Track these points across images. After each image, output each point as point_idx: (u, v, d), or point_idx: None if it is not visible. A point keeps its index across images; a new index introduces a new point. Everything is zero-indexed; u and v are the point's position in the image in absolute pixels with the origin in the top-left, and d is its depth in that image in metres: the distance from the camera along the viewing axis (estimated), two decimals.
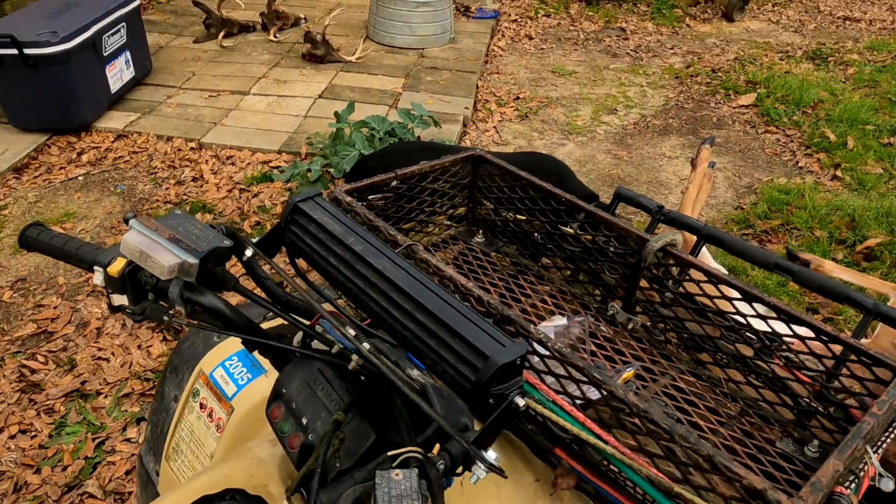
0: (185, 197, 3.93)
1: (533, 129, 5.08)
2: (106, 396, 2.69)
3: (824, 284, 2.06)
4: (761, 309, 1.43)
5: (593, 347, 1.49)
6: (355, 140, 4.07)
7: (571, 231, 1.71)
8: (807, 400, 1.36)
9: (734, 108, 5.38)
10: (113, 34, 4.57)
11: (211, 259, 0.93)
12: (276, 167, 4.27)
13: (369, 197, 1.70)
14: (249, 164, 4.30)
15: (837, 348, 1.34)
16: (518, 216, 1.83)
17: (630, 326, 1.60)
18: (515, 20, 7.11)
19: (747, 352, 1.43)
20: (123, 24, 4.68)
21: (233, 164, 4.30)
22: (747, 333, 1.42)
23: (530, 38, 6.71)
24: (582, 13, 7.42)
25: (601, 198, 4.01)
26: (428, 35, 5.99)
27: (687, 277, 1.52)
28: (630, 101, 5.57)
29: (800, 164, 4.60)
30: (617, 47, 6.67)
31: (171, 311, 0.93)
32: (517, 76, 5.90)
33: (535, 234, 1.80)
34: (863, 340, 2.14)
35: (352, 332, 0.91)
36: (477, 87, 5.54)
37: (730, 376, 1.49)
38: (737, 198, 4.26)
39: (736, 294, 1.42)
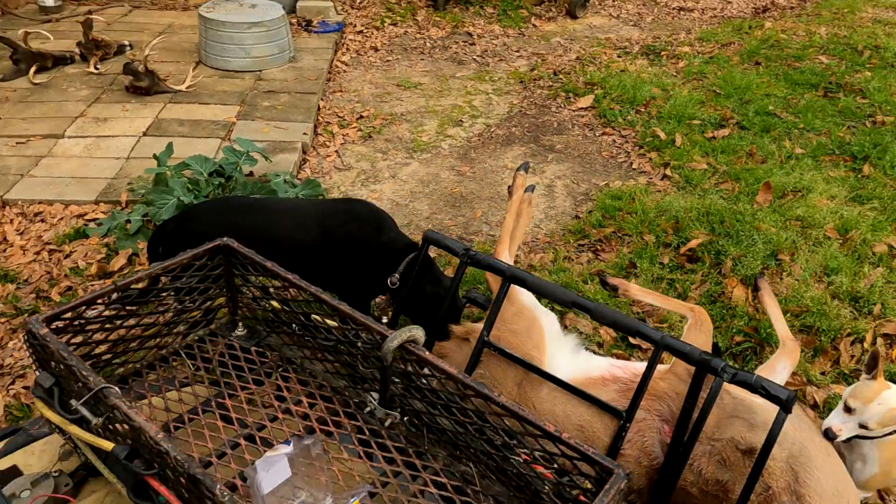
0: None
1: (377, 149, 4.96)
2: None
3: (618, 321, 2.08)
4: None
5: (333, 466, 1.39)
6: (174, 186, 3.80)
7: (325, 323, 1.61)
8: (548, 496, 1.32)
9: (573, 111, 5.49)
10: None
11: None
12: (93, 220, 3.94)
13: (88, 313, 1.52)
14: (62, 219, 3.94)
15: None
16: (276, 305, 1.71)
17: (388, 423, 1.52)
18: (361, 31, 6.96)
19: (493, 448, 1.39)
20: None
21: (42, 220, 3.93)
22: (490, 430, 1.37)
23: (376, 50, 6.59)
24: (429, 19, 7.36)
25: (444, 228, 3.96)
26: (264, 56, 5.74)
27: (431, 373, 1.45)
28: (476, 111, 5.56)
29: (634, 166, 4.74)
30: (464, 54, 6.66)
31: None
32: (361, 93, 5.76)
33: (294, 325, 1.69)
34: (659, 367, 2.19)
35: None
36: (318, 108, 5.36)
37: (483, 472, 1.44)
38: (575, 206, 4.33)
39: (471, 392, 1.37)
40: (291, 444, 1.35)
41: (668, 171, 4.56)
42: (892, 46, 6.32)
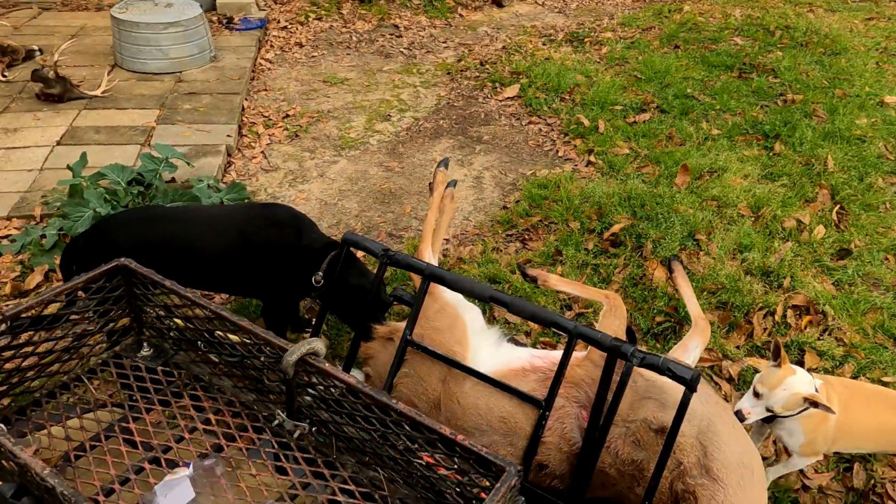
0: None
1: (304, 148, 4.91)
2: None
3: (535, 313, 2.12)
4: None
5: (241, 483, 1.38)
6: (90, 197, 3.69)
7: (228, 338, 1.60)
8: (452, 497, 1.36)
9: (500, 101, 5.54)
10: None
11: None
12: (6, 236, 3.78)
13: None
14: None
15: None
16: (180, 323, 1.69)
17: (296, 434, 1.53)
18: (285, 27, 6.84)
19: (397, 453, 1.41)
20: None
21: None
22: (392, 435, 1.39)
23: (301, 46, 6.49)
24: (355, 13, 7.29)
25: (369, 229, 3.94)
26: (183, 57, 5.59)
27: (334, 383, 1.46)
28: (404, 105, 5.55)
29: (559, 153, 4.82)
30: (391, 47, 6.63)
31: None
32: (287, 91, 5.68)
33: (199, 343, 1.67)
34: (577, 354, 2.25)
35: None
36: (242, 108, 5.26)
37: (390, 476, 1.47)
38: (503, 196, 4.39)
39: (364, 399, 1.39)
40: (192, 466, 1.35)
41: (592, 158, 4.66)
42: (802, 26, 6.59)
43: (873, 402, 2.31)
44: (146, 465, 1.44)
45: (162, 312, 1.68)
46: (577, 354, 2.22)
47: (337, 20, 7.11)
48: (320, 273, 2.67)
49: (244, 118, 5.18)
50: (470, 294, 2.21)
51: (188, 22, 5.55)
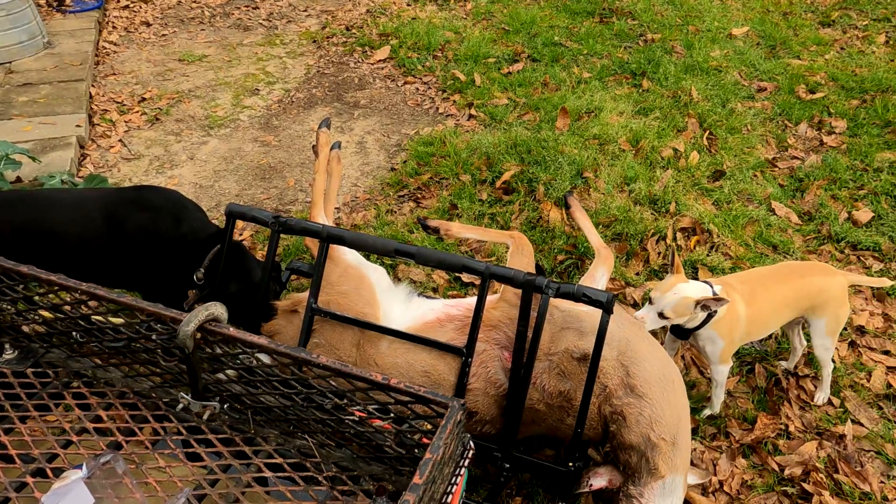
0: None
1: (168, 132, 4.53)
2: None
3: (443, 260, 2.04)
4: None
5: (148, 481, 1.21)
6: None
7: (110, 322, 1.39)
8: (391, 448, 1.26)
9: (372, 64, 5.37)
10: None
11: None
12: None
13: None
14: None
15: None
16: (47, 315, 1.46)
17: (206, 416, 1.36)
18: (127, 6, 6.28)
19: (325, 413, 1.29)
20: None
21: None
22: (317, 395, 1.27)
23: (148, 25, 5.98)
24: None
25: (258, 203, 3.67)
26: (11, 45, 4.98)
27: (241, 350, 1.31)
28: (271, 77, 5.26)
29: (440, 110, 4.75)
30: (248, 19, 6.25)
31: None
32: (139, 73, 5.21)
33: (74, 333, 1.45)
34: (490, 297, 2.18)
35: None
36: (90, 96, 4.77)
37: (321, 441, 1.34)
38: (389, 159, 4.26)
39: (287, 360, 1.25)
40: (84, 467, 1.16)
41: (472, 111, 4.62)
42: None
43: (769, 283, 2.44)
44: (28, 480, 1.23)
45: (22, 306, 1.44)
46: (491, 297, 2.17)
47: None
48: (201, 271, 2.43)
49: (94, 106, 4.71)
50: (373, 250, 2.10)
51: (11, 5, 4.94)
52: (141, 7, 6.27)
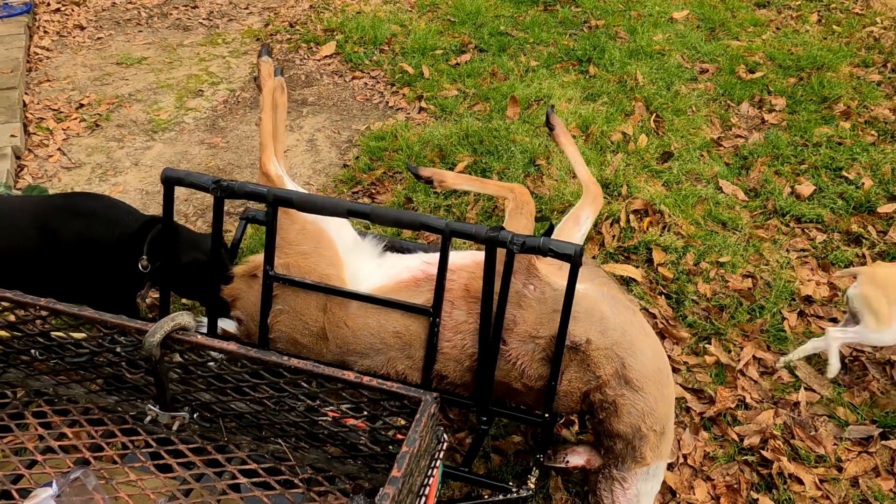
0: None
1: (109, 138, 4.40)
2: None
3: (400, 218, 1.91)
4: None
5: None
6: None
7: (72, 337, 1.35)
8: (365, 446, 1.26)
9: (319, 60, 5.30)
10: None
11: None
12: None
13: None
14: None
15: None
16: (2, 334, 1.41)
17: (176, 426, 1.34)
18: (58, 10, 6.04)
19: (297, 417, 1.28)
20: None
21: None
22: (289, 398, 1.26)
23: (82, 29, 5.78)
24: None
25: (204, 210, 3.56)
26: None
27: (211, 357, 1.29)
28: (215, 78, 5.14)
29: (390, 104, 4.73)
30: (187, 19, 6.09)
31: None
32: (75, 79, 5.04)
33: (33, 351, 1.41)
34: (475, 261, 2.06)
35: None
36: (24, 104, 4.59)
37: (294, 444, 1.34)
38: (341, 155, 4.23)
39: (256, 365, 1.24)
40: (54, 485, 1.13)
41: (423, 104, 4.61)
42: None
43: None
44: None
45: None
46: (478, 258, 2.03)
47: None
48: (144, 258, 2.33)
49: (28, 115, 4.53)
50: (324, 212, 1.95)
51: None
52: (73, 10, 6.05)
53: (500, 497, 1.94)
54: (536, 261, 2.00)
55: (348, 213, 1.89)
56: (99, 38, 5.66)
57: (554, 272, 2.03)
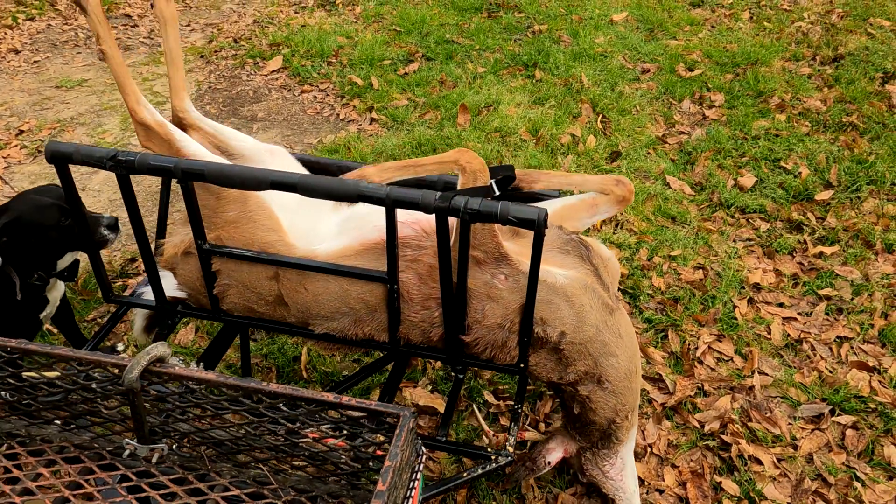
0: None
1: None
2: None
3: (332, 189, 1.61)
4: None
5: None
6: None
7: (44, 376, 1.34)
8: (347, 464, 1.29)
9: (266, 76, 5.28)
10: None
11: None
12: None
13: None
14: None
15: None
16: None
17: (155, 458, 1.35)
18: None
19: (280, 440, 1.31)
20: None
21: None
22: (269, 422, 1.28)
23: (17, 52, 5.61)
24: (73, 7, 6.44)
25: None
26: None
27: (189, 387, 1.30)
28: (160, 97, 5.06)
29: (340, 116, 4.74)
30: (128, 38, 5.98)
31: None
32: (12, 104, 4.89)
33: (3, 393, 1.39)
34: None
35: None
36: None
37: (276, 467, 1.36)
38: None
39: (234, 392, 1.26)
40: None
41: (374, 115, 4.64)
42: None
43: None
44: None
45: None
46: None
47: (55, 18, 6.24)
48: None
49: None
50: (243, 186, 1.67)
51: None
52: (6, 34, 5.87)
53: (479, 471, 1.93)
54: (506, 244, 1.82)
55: (272, 186, 1.63)
56: (36, 62, 5.51)
57: (526, 253, 1.76)
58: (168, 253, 2.00)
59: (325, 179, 1.61)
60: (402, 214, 1.71)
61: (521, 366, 1.88)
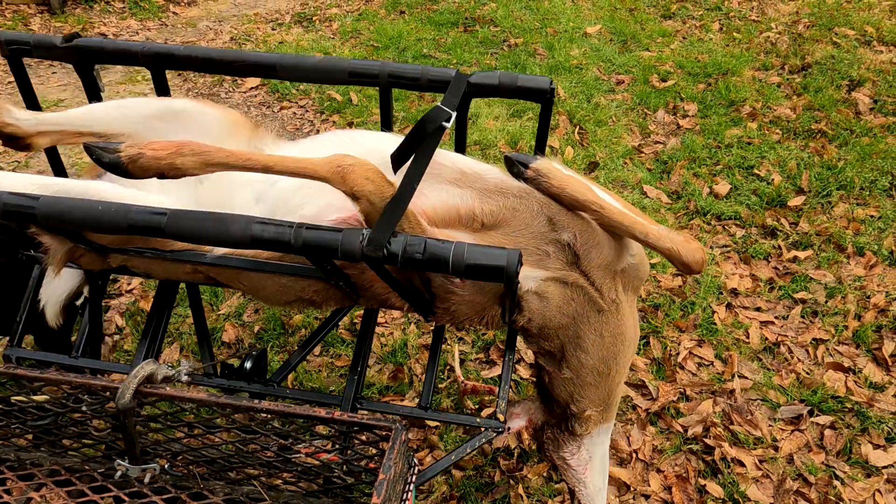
0: None
1: None
2: None
3: (206, 231, 1.30)
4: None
5: None
6: None
7: (34, 400, 1.35)
8: (339, 479, 1.31)
9: (245, 93, 5.29)
10: None
11: None
12: None
13: None
14: None
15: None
16: None
17: (148, 479, 1.35)
18: None
19: (271, 455, 1.32)
20: None
21: None
22: (261, 440, 1.30)
23: None
24: (48, 26, 6.42)
25: None
26: None
27: (181, 407, 1.31)
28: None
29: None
30: None
31: None
32: None
33: None
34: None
35: None
36: None
37: (269, 483, 1.37)
38: None
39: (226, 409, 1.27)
40: None
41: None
42: None
43: None
44: None
45: None
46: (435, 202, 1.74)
47: None
48: None
49: None
50: (97, 226, 1.32)
51: None
52: None
53: (478, 443, 1.89)
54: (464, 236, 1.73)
55: (130, 230, 1.30)
56: (10, 82, 5.46)
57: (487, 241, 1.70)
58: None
59: (199, 215, 1.30)
60: (333, 201, 1.56)
61: (505, 320, 1.82)
